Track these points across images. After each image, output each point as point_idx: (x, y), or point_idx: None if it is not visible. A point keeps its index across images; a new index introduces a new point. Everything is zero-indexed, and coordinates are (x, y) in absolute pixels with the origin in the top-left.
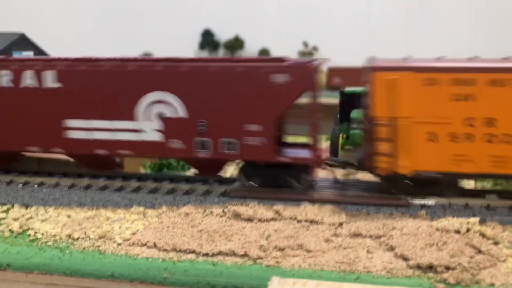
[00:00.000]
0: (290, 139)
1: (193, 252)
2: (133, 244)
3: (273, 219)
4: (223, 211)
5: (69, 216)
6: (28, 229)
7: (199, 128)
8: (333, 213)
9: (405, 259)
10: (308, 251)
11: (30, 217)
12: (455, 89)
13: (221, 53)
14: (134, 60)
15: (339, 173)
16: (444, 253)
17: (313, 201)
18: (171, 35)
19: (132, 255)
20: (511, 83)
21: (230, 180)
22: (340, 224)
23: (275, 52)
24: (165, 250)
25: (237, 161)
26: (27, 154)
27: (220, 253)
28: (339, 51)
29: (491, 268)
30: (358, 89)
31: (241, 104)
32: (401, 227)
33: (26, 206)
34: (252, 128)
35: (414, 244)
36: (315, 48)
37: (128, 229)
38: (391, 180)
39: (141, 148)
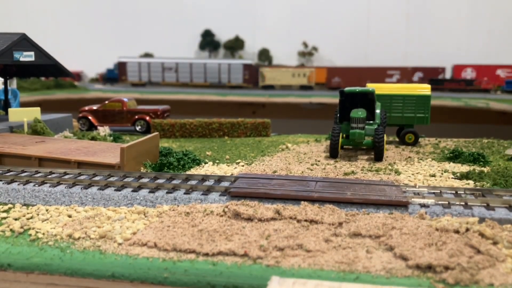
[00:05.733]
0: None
1: (193, 252)
2: (133, 244)
3: (273, 218)
4: (223, 210)
5: (70, 216)
6: (29, 228)
7: None
8: (332, 212)
9: (405, 259)
10: (308, 251)
11: (31, 217)
12: None
13: (221, 53)
14: None
15: (340, 171)
16: (443, 253)
17: (313, 200)
18: (172, 35)
19: (132, 255)
20: None
21: (230, 179)
22: (340, 224)
23: (275, 52)
24: (166, 250)
25: None
26: (28, 153)
27: (220, 253)
28: (339, 51)
29: (490, 268)
30: (357, 88)
31: None
32: (401, 227)
33: (27, 206)
34: None
35: (414, 244)
36: (314, 48)
37: (129, 228)
38: None
39: None
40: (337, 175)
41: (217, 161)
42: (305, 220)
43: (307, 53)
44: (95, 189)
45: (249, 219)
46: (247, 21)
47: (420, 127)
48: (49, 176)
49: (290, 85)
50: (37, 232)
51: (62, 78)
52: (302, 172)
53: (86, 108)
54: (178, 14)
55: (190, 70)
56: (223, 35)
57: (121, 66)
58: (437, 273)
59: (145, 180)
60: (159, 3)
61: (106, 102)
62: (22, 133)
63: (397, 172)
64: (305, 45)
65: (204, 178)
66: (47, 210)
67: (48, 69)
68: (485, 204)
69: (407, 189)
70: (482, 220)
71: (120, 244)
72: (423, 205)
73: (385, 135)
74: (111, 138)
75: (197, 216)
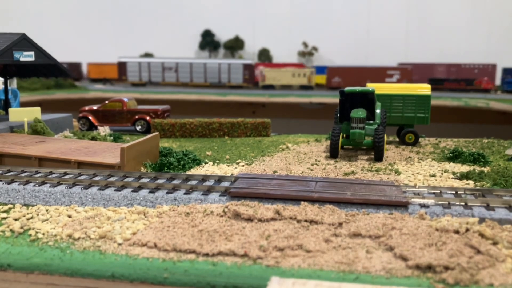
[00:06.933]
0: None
1: (193, 252)
2: (133, 244)
3: (273, 219)
4: (223, 211)
5: (70, 216)
6: (29, 229)
7: None
8: (332, 213)
9: (404, 259)
10: (308, 251)
11: (31, 217)
12: None
13: (221, 53)
14: None
15: (340, 171)
16: (443, 253)
17: (313, 201)
18: (172, 35)
19: (132, 255)
20: None
21: (230, 179)
22: (340, 224)
23: (275, 52)
24: (166, 250)
25: None
26: (29, 153)
27: (220, 253)
28: (339, 51)
29: (490, 268)
30: (357, 88)
31: None
32: (401, 227)
33: (27, 206)
34: None
35: (413, 244)
36: (314, 48)
37: (129, 228)
38: None
39: None
40: (337, 175)
41: (217, 161)
42: (305, 220)
43: (307, 53)
44: (95, 189)
45: (249, 219)
46: (247, 21)
47: (420, 127)
48: (49, 176)
49: (290, 85)
50: (37, 232)
51: (62, 78)
52: (302, 172)
53: (86, 108)
54: (178, 14)
55: (190, 70)
56: (223, 35)
57: (121, 66)
58: (437, 273)
59: (145, 180)
60: (159, 3)
61: (106, 102)
62: (22, 133)
63: (397, 172)
64: (305, 45)
65: (204, 178)
66: (47, 210)
67: (48, 69)
68: (485, 204)
69: (407, 189)
70: (482, 220)
71: (120, 244)
72: (423, 205)
73: (385, 135)
74: (111, 138)
75: (197, 216)
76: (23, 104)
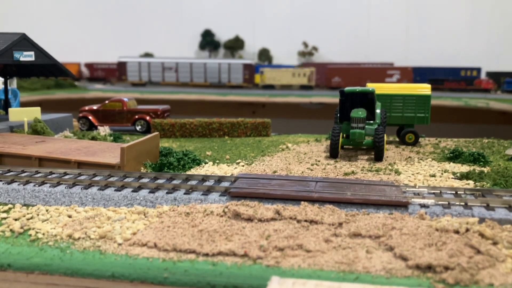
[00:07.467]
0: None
1: (193, 252)
2: (133, 244)
3: (273, 219)
4: (223, 211)
5: (70, 216)
6: (29, 229)
7: None
8: (332, 213)
9: (404, 259)
10: (308, 251)
11: (31, 217)
12: None
13: (221, 53)
14: None
15: (340, 171)
16: (443, 253)
17: (313, 201)
18: (172, 35)
19: (132, 255)
20: None
21: (230, 180)
22: (340, 224)
23: (275, 52)
24: (166, 250)
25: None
26: (29, 153)
27: (220, 253)
28: (339, 51)
29: (490, 268)
30: (357, 88)
31: None
32: (401, 227)
33: (27, 206)
34: None
35: (414, 244)
36: (315, 48)
37: (129, 228)
38: None
39: None
40: (337, 175)
41: (217, 161)
42: (305, 220)
43: (307, 53)
44: (95, 189)
45: (249, 219)
46: (247, 21)
47: (420, 127)
48: (49, 176)
49: (290, 85)
50: (37, 232)
51: (62, 78)
52: (302, 172)
53: (86, 108)
54: (178, 14)
55: (190, 70)
56: (223, 35)
57: (121, 66)
58: (437, 273)
59: (145, 180)
60: (159, 3)
61: (106, 102)
62: (22, 133)
63: (397, 172)
64: (305, 45)
65: (204, 178)
66: (47, 210)
67: (48, 69)
68: (485, 204)
69: (407, 189)
70: (482, 220)
71: (120, 244)
72: (423, 205)
73: (385, 135)
74: (111, 138)
75: (197, 216)
76: (23, 104)
